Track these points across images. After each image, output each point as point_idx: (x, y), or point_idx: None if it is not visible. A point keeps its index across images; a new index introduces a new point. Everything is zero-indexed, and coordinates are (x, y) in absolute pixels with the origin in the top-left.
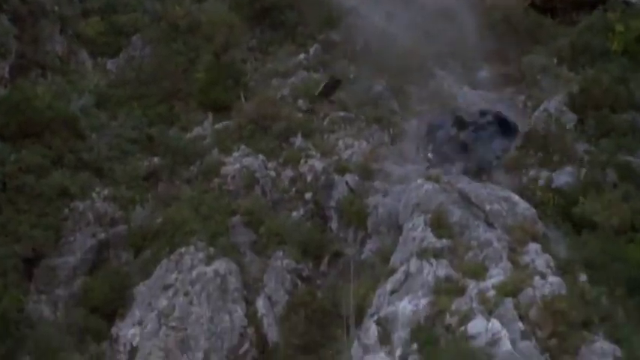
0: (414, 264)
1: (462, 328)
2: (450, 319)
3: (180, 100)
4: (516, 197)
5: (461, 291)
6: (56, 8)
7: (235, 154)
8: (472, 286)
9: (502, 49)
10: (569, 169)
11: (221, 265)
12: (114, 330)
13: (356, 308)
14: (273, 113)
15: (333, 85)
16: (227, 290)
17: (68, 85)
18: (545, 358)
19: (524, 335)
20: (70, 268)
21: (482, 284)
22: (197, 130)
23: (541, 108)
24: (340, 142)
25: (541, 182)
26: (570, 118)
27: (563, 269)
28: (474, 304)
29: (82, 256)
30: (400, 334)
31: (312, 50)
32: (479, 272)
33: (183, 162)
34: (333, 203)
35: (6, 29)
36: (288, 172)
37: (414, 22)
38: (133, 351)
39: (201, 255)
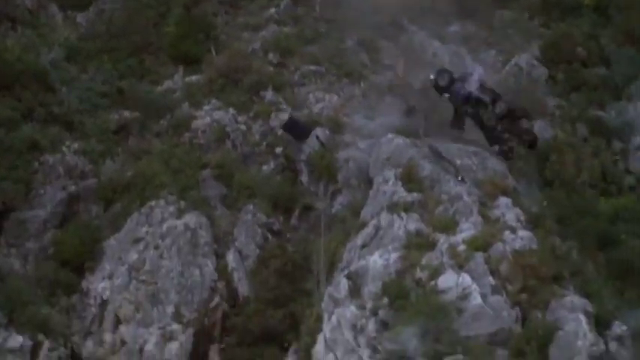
0: (384, 218)
1: (433, 282)
2: (421, 274)
3: (151, 54)
4: (487, 151)
5: (431, 245)
6: None
7: (206, 107)
8: (442, 241)
9: (473, 4)
10: (540, 123)
11: (191, 218)
12: (84, 283)
13: (326, 262)
14: (244, 67)
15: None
16: (197, 244)
17: (38, 39)
18: (515, 312)
19: (495, 290)
20: (40, 221)
21: (453, 238)
22: (167, 84)
23: (512, 62)
24: (311, 96)
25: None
26: (541, 73)
27: (534, 223)
28: (445, 259)
29: (52, 209)
30: (370, 288)
31: (282, 4)
32: (449, 226)
33: (154, 115)
34: (303, 157)
35: None
36: (259, 126)
37: None
38: (104, 304)
39: (171, 208)
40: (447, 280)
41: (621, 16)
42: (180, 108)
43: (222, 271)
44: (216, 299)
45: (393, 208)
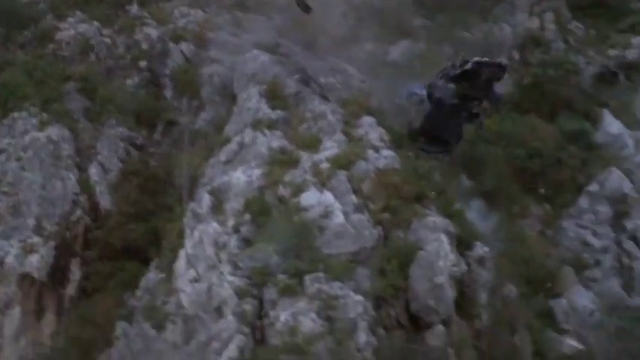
0: (248, 135)
1: (295, 199)
2: (284, 191)
3: None
4: (351, 70)
5: (294, 163)
6: None
7: (70, 20)
8: (306, 158)
9: None
10: (405, 43)
11: (54, 131)
12: None
13: (189, 177)
14: None
15: None
16: (60, 157)
17: None
18: (377, 231)
19: (357, 208)
20: None
21: (316, 156)
22: None
23: None
24: (176, 11)
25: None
26: None
27: (397, 143)
28: (308, 176)
29: None
30: (233, 205)
31: None
32: (313, 144)
33: (18, 27)
34: (167, 72)
35: None
36: (124, 40)
37: None
38: None
39: (34, 120)
40: (310, 197)
41: None
42: (45, 19)
43: (84, 185)
44: (78, 212)
45: (257, 125)
